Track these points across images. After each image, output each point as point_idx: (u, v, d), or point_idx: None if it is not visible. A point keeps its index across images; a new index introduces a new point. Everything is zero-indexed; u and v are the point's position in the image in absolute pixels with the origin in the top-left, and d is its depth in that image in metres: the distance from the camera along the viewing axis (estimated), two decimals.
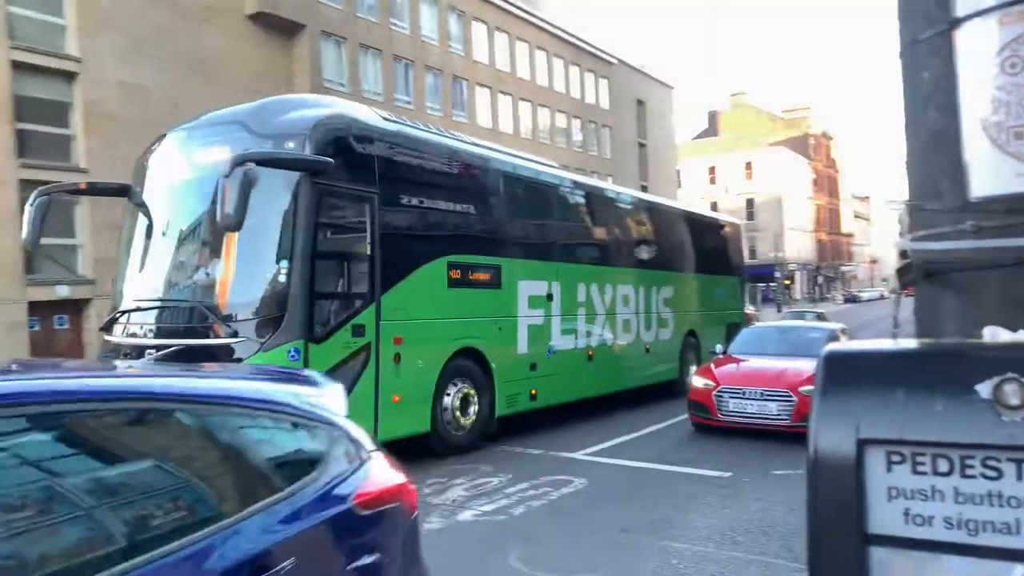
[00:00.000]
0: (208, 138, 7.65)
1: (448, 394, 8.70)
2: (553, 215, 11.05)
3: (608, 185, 15.07)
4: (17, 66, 19.20)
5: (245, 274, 7.09)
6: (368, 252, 7.73)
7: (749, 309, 20.25)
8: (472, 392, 9.00)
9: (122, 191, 8.32)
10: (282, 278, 6.92)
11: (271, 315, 6.85)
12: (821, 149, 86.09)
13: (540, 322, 10.27)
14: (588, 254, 11.77)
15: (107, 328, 7.67)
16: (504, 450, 9.08)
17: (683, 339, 14.34)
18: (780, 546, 5.40)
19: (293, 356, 6.78)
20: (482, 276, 9.34)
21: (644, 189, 41.49)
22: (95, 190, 8.82)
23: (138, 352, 7.05)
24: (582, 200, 11.88)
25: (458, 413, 8.77)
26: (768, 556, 5.21)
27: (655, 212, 14.25)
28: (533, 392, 10.07)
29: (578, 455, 8.72)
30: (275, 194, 6.97)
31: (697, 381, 10.03)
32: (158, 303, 7.33)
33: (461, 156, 9.38)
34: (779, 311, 45.17)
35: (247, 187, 6.32)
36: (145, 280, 7.57)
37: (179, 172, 7.67)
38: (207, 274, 7.29)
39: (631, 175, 45.86)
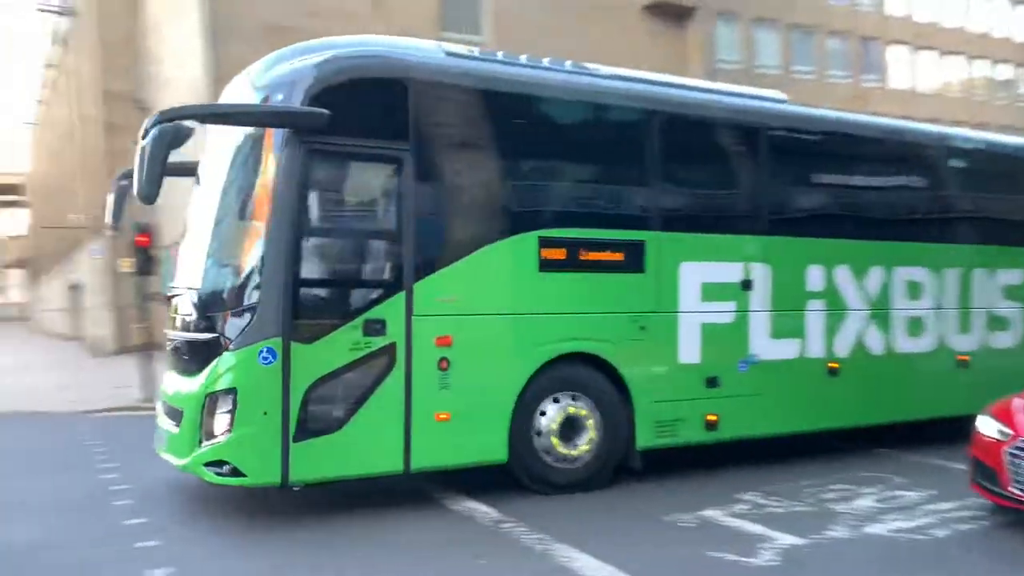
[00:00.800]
0: (222, 99, 6.77)
1: (543, 413, 6.35)
2: (757, 166, 7.58)
3: (871, 118, 10.18)
4: None
5: (222, 257, 5.99)
6: (394, 226, 5.95)
7: None
8: (584, 412, 6.47)
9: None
10: (255, 260, 5.58)
11: (241, 307, 5.58)
12: None
13: (726, 320, 7.22)
14: (828, 223, 8.03)
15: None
16: (920, 462, 7.69)
17: None
18: None
19: (266, 358, 5.39)
20: (607, 256, 6.75)
21: None
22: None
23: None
24: (815, 140, 8.03)
25: (555, 440, 6.34)
26: None
27: (977, 155, 9.40)
28: (711, 418, 7.02)
29: None
30: (254, 157, 5.83)
31: (986, 426, 5.82)
32: (174, 289, 6.52)
33: (570, 90, 6.84)
34: None
35: (161, 151, 5.25)
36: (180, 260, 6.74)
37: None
38: (202, 257, 6.10)
39: None
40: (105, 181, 12.50)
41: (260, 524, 5.68)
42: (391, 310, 5.76)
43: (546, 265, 6.41)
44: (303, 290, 5.63)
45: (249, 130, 5.89)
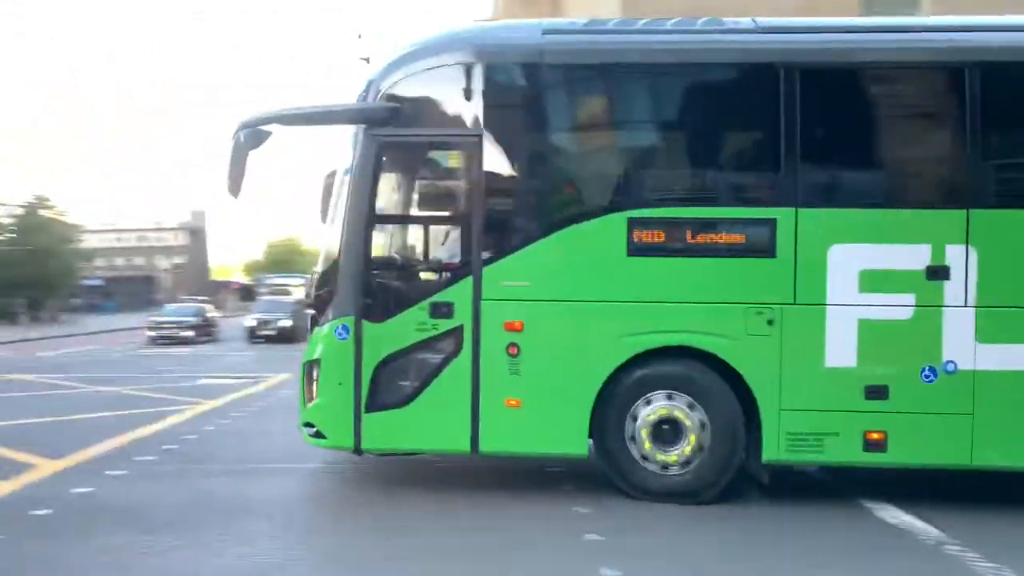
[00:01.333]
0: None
1: (638, 411, 6.02)
2: (934, 118, 6.28)
3: None
4: None
5: (326, 243, 6.66)
6: (463, 210, 6.17)
7: None
8: (683, 415, 5.97)
9: None
10: (338, 246, 6.17)
11: (329, 288, 6.28)
12: None
13: (904, 316, 5.85)
14: None
15: None
16: None
17: None
18: None
19: (341, 334, 6.02)
20: (722, 238, 5.96)
21: None
22: None
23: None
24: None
25: (647, 442, 5.98)
26: None
27: None
28: (875, 436, 5.84)
29: None
30: (345, 151, 6.31)
31: None
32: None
33: (669, 50, 6.18)
34: None
35: (240, 153, 6.06)
36: None
37: None
38: (320, 243, 7.07)
39: None
40: None
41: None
42: (459, 293, 5.98)
43: (638, 249, 5.94)
44: (375, 272, 6.14)
45: (343, 128, 6.36)
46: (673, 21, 6.24)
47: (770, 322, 5.88)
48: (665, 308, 5.94)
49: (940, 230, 5.82)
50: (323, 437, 6.16)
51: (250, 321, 28.27)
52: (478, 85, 6.03)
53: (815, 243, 5.85)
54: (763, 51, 6.06)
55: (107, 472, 6.87)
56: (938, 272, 5.80)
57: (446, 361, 6.01)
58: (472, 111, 6.05)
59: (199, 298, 39.71)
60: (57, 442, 8.14)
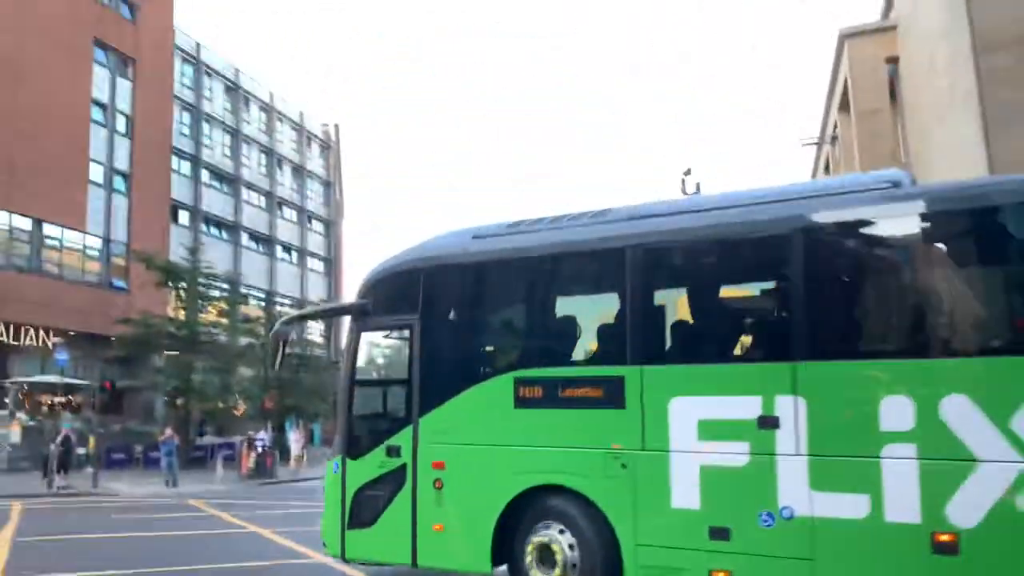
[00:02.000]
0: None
1: (527, 538, 7.06)
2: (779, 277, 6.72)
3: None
4: None
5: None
6: (407, 375, 7.97)
7: None
8: (551, 542, 6.89)
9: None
10: (338, 403, 8.66)
11: (335, 434, 8.71)
12: None
13: (740, 463, 6.23)
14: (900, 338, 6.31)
15: None
16: None
17: None
18: None
19: (335, 468, 8.29)
20: (580, 392, 6.93)
21: None
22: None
23: None
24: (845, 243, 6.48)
25: (532, 566, 6.97)
26: None
27: None
28: (719, 575, 6.21)
29: None
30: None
31: None
32: None
33: (543, 251, 7.55)
34: None
35: (276, 343, 9.10)
36: None
37: None
38: None
39: None
40: None
41: None
42: (404, 438, 7.79)
43: (521, 402, 7.11)
44: (354, 421, 8.34)
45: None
46: (569, 216, 7.68)
47: (623, 465, 6.65)
48: (543, 452, 7.06)
49: (769, 382, 6.17)
50: (326, 547, 8.37)
51: None
52: (418, 283, 8.01)
53: (658, 396, 6.56)
54: (614, 238, 7.12)
55: None
56: (768, 421, 6.11)
57: (395, 492, 7.77)
58: (414, 302, 7.98)
59: None
60: None
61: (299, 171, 55.07)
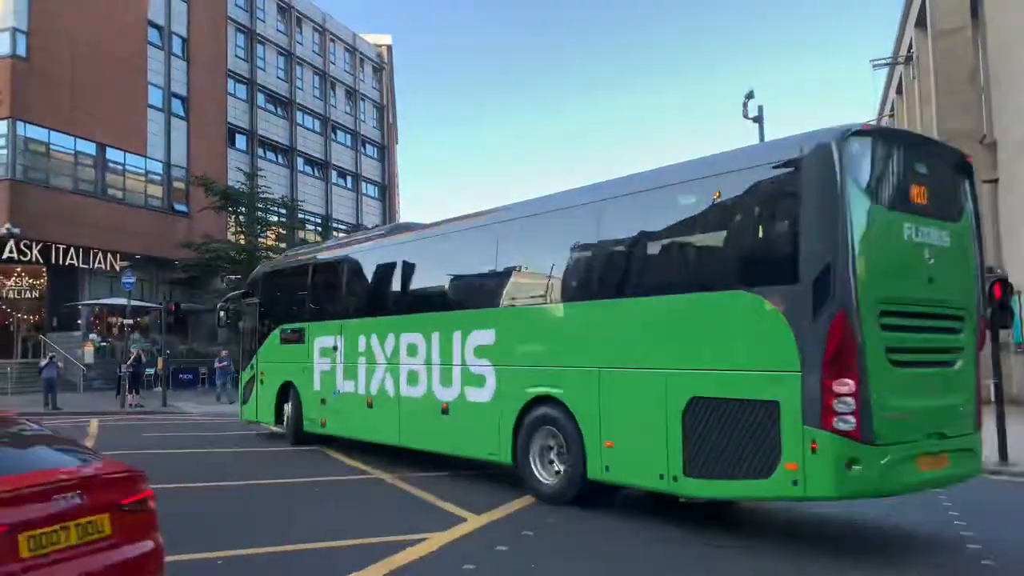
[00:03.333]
0: None
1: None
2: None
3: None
4: None
5: None
6: (255, 328, 15.62)
7: None
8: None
9: None
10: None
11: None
12: None
13: (327, 368, 12.89)
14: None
15: None
16: None
17: None
18: None
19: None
20: (294, 337, 13.91)
21: None
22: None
23: None
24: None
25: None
26: None
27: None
28: (322, 421, 12.96)
29: None
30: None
31: None
32: None
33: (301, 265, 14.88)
34: None
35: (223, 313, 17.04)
36: None
37: None
38: None
39: None
40: None
41: None
42: (255, 360, 15.57)
43: (284, 342, 14.29)
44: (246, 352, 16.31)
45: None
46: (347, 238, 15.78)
47: (304, 369, 13.60)
48: (286, 365, 14.16)
49: (336, 329, 12.94)
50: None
51: None
52: (259, 280, 15.86)
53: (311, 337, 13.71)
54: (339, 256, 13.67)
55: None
56: (335, 347, 13.05)
57: (252, 386, 15.79)
58: (258, 289, 15.84)
59: None
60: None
61: (352, 94, 54.95)
